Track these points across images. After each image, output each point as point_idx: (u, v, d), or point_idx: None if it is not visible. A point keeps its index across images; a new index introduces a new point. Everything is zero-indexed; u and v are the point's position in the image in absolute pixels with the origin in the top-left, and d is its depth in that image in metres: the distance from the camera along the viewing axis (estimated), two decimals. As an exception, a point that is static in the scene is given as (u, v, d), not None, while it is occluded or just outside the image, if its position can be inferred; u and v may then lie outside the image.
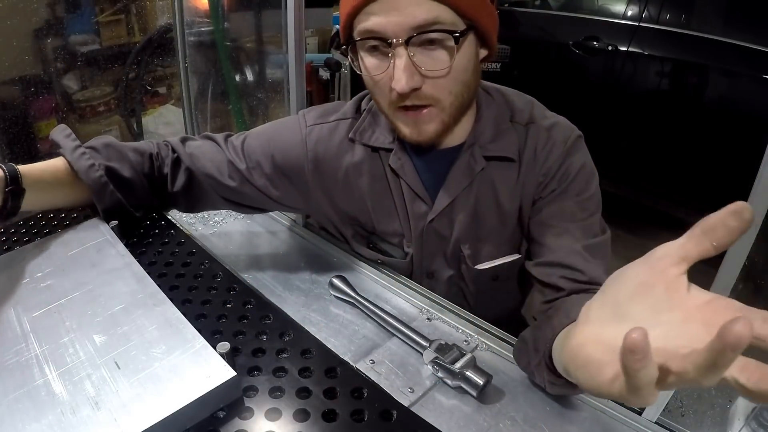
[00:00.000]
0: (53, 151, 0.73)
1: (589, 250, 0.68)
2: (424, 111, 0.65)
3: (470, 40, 0.64)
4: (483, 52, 0.69)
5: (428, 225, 0.77)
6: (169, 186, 0.78)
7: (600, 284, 0.64)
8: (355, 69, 0.72)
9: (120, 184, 0.72)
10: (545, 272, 0.70)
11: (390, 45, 0.61)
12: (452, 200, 0.75)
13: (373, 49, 0.64)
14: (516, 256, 0.80)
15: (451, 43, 0.61)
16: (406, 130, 0.68)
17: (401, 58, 0.61)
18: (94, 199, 0.71)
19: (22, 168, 0.66)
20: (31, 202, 0.67)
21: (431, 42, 0.61)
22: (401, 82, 0.61)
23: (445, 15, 0.60)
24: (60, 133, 0.73)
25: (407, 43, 0.60)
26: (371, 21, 0.61)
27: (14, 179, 0.64)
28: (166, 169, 0.78)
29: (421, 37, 0.60)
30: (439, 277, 0.83)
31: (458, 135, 0.74)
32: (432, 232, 0.78)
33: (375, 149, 0.77)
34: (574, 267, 0.67)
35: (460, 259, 0.80)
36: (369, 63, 0.65)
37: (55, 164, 0.71)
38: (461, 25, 0.62)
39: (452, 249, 0.79)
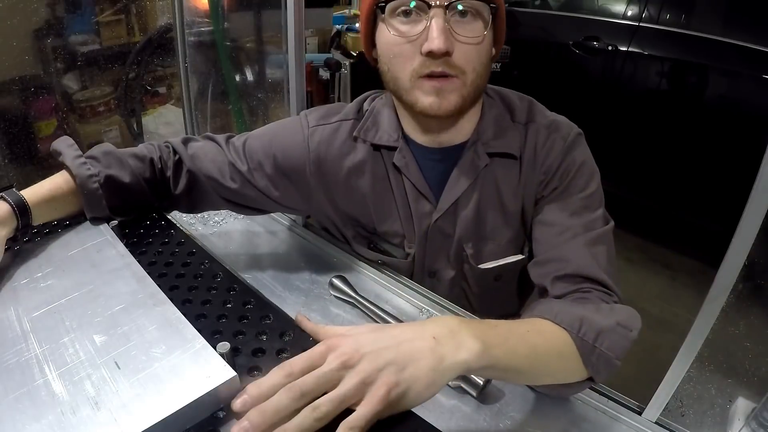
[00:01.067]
0: (54, 160, 0.72)
1: (588, 243, 0.68)
2: (447, 81, 0.65)
3: (491, 28, 0.66)
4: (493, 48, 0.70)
5: (433, 224, 0.77)
6: (171, 188, 0.79)
7: (584, 276, 0.66)
8: (369, 55, 0.73)
9: (120, 189, 0.72)
10: (540, 273, 0.70)
11: (429, 7, 0.62)
12: (457, 198, 0.75)
13: (405, 14, 0.65)
14: (519, 257, 0.80)
15: (487, 14, 0.64)
16: (426, 101, 0.66)
17: (439, 20, 0.62)
18: (85, 207, 0.70)
19: (29, 196, 0.65)
20: (39, 221, 0.68)
21: (466, 12, 0.63)
22: (438, 41, 0.61)
23: None
24: (63, 143, 0.73)
25: (447, 7, 0.62)
26: None
27: (23, 212, 0.64)
28: (169, 172, 0.78)
29: (459, 3, 0.62)
30: (442, 278, 0.83)
31: (462, 133, 0.74)
32: (436, 231, 0.78)
33: (377, 149, 0.77)
34: (565, 259, 0.67)
35: (462, 259, 0.80)
36: (400, 28, 0.65)
37: (57, 182, 0.70)
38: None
39: (455, 248, 0.79)
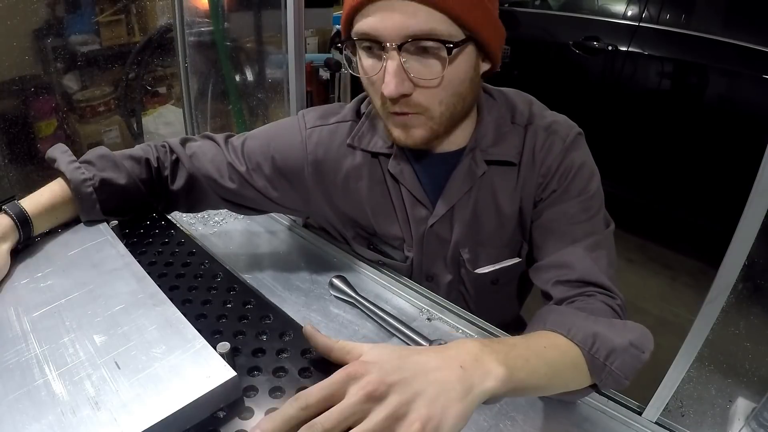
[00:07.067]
0: (50, 165, 0.72)
1: (589, 248, 0.68)
2: (411, 115, 0.65)
3: (468, 52, 0.63)
4: (485, 66, 0.68)
5: (429, 229, 0.77)
6: (169, 186, 0.78)
7: (587, 281, 0.65)
8: (350, 70, 0.72)
9: (116, 192, 0.71)
10: (542, 278, 0.70)
11: (384, 48, 0.60)
12: (453, 204, 0.75)
13: (369, 50, 0.64)
14: (516, 260, 0.79)
15: (445, 54, 0.60)
16: (396, 133, 0.68)
17: (393, 62, 0.60)
18: (80, 211, 0.69)
19: (29, 206, 0.65)
20: (40, 231, 0.67)
21: (425, 50, 0.60)
22: (390, 86, 0.60)
23: (442, 26, 0.59)
24: (57, 150, 0.72)
25: (400, 48, 0.59)
26: (367, 23, 0.61)
27: (25, 224, 0.63)
28: (166, 172, 0.78)
29: (414, 44, 0.60)
30: (439, 281, 0.83)
31: (459, 139, 0.73)
32: (432, 236, 0.78)
33: (374, 154, 0.77)
34: (567, 265, 0.67)
35: (459, 263, 0.80)
36: (366, 63, 0.65)
37: (55, 189, 0.69)
38: (459, 36, 0.60)
39: (452, 253, 0.79)
